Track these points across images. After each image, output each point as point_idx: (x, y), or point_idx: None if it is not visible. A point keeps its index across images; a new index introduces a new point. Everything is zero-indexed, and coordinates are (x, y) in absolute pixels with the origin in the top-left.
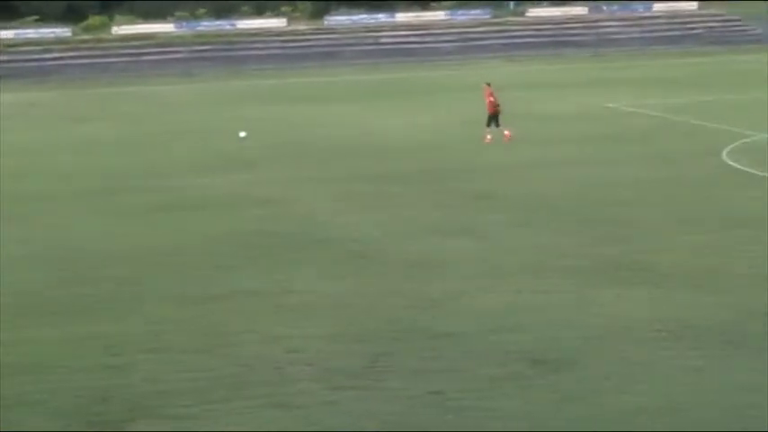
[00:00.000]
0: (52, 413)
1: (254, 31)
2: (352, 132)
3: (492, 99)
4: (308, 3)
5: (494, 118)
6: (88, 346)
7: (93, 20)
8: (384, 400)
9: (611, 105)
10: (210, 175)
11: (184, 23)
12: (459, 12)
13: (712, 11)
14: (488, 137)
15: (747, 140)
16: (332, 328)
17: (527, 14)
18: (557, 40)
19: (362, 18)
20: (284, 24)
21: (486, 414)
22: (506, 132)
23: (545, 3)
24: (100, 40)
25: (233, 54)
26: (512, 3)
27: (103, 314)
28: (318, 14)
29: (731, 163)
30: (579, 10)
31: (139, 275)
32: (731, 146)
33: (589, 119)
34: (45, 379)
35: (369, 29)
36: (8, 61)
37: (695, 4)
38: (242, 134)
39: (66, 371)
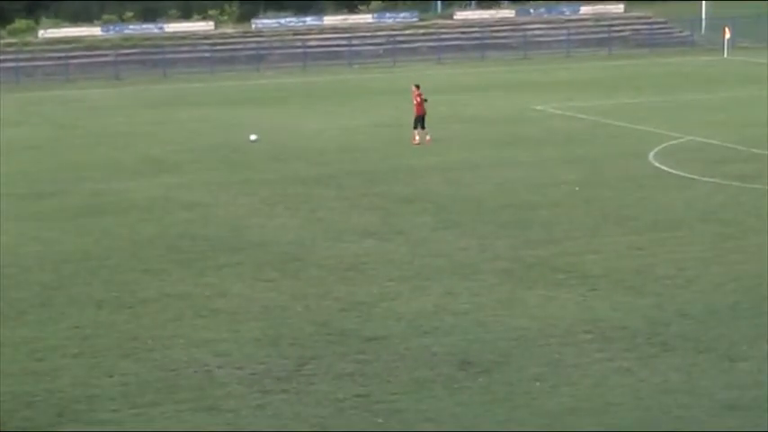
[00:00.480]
0: None
1: (181, 35)
2: (281, 135)
3: (419, 100)
4: (236, 6)
5: (420, 120)
6: (14, 352)
7: (20, 23)
8: (312, 403)
9: (538, 108)
10: (138, 179)
11: (111, 27)
12: (387, 14)
13: (639, 13)
14: (416, 138)
15: (674, 142)
16: (261, 331)
17: (454, 17)
18: (484, 43)
19: (290, 21)
20: (212, 27)
21: (416, 417)
22: (428, 137)
23: (472, 5)
24: (26, 44)
25: (161, 57)
26: (439, 4)
27: (29, 319)
28: (246, 17)
29: (658, 165)
30: (506, 12)
31: (66, 280)
32: (658, 148)
33: (516, 121)
34: None
35: (296, 32)
36: None
37: (621, 6)
38: (252, 137)
39: None
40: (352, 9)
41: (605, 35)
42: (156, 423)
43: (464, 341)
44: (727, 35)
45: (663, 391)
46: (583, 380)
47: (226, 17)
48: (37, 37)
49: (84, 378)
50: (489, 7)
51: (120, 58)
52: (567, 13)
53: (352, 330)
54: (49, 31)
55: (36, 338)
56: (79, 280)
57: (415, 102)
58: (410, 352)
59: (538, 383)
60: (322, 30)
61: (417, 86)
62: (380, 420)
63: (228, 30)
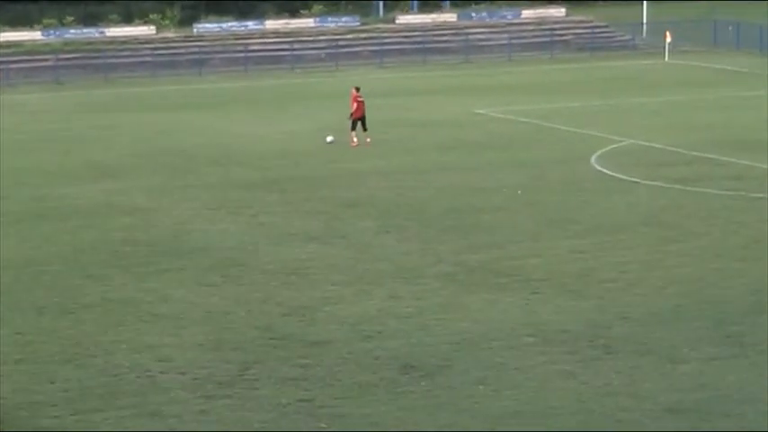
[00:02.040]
0: None
1: (122, 39)
2: (222, 140)
3: (359, 102)
4: (177, 10)
5: (361, 121)
6: None
7: None
8: (256, 408)
9: (480, 111)
10: (78, 184)
11: (52, 31)
12: (329, 19)
13: (580, 17)
14: (355, 140)
15: (616, 146)
16: (204, 336)
17: (396, 21)
18: (426, 47)
19: (232, 26)
20: (153, 32)
21: (359, 421)
22: (368, 139)
23: (414, 9)
24: None
25: (102, 62)
26: (381, 9)
27: None
28: (187, 22)
29: (600, 168)
30: (448, 17)
31: (6, 286)
32: (600, 151)
33: (458, 125)
34: None
35: (238, 36)
36: None
37: (563, 10)
38: (329, 138)
39: None
40: (294, 13)
41: (547, 39)
42: (99, 429)
43: (407, 345)
44: (668, 39)
45: (605, 393)
46: (526, 383)
47: (167, 22)
48: None
49: (25, 384)
50: (431, 11)
51: (60, 63)
52: (509, 17)
53: (294, 335)
54: None
55: None
56: (20, 286)
57: (353, 104)
58: (353, 356)
59: (481, 387)
60: (264, 34)
61: (357, 89)
62: (324, 425)
63: (170, 34)
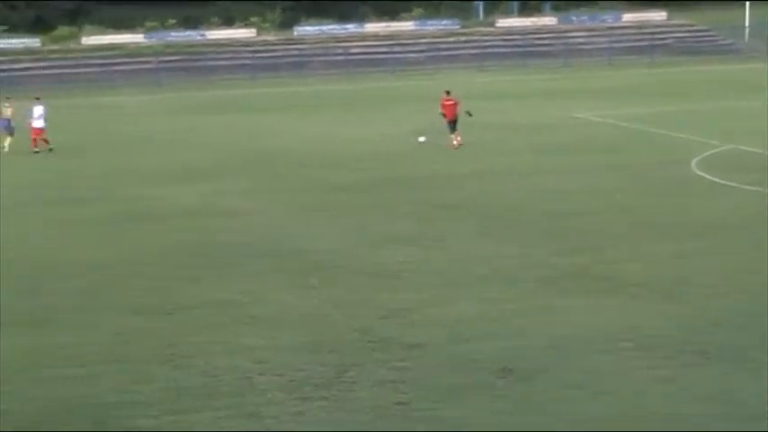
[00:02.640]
0: (20, 424)
1: (223, 42)
2: (320, 142)
3: (448, 105)
4: (278, 13)
5: (452, 123)
6: (52, 357)
7: (63, 30)
8: (353, 410)
9: (578, 115)
10: (177, 186)
11: (154, 34)
12: (429, 22)
13: (682, 21)
14: (456, 140)
15: (716, 150)
16: (300, 338)
17: (496, 25)
18: (525, 51)
19: (332, 28)
20: (254, 35)
21: (455, 424)
22: (458, 139)
23: (514, 12)
24: (69, 51)
25: (202, 64)
26: (481, 12)
27: (66, 325)
28: (288, 25)
29: (700, 173)
30: (548, 20)
31: (102, 287)
32: (700, 156)
33: (556, 129)
34: (10, 390)
35: (338, 39)
36: None
37: (664, 13)
38: (421, 139)
39: (31, 382)
40: (394, 16)
41: (648, 43)
42: (196, 429)
43: (504, 349)
44: None
45: (702, 399)
46: (622, 388)
47: (267, 24)
48: (80, 44)
49: (123, 384)
50: (531, 15)
51: (162, 65)
52: (610, 21)
53: (392, 337)
54: (92, 37)
55: (75, 344)
56: (118, 286)
57: (447, 106)
58: (450, 359)
59: (577, 391)
60: (364, 37)
61: (448, 92)
62: (420, 428)
63: (270, 37)
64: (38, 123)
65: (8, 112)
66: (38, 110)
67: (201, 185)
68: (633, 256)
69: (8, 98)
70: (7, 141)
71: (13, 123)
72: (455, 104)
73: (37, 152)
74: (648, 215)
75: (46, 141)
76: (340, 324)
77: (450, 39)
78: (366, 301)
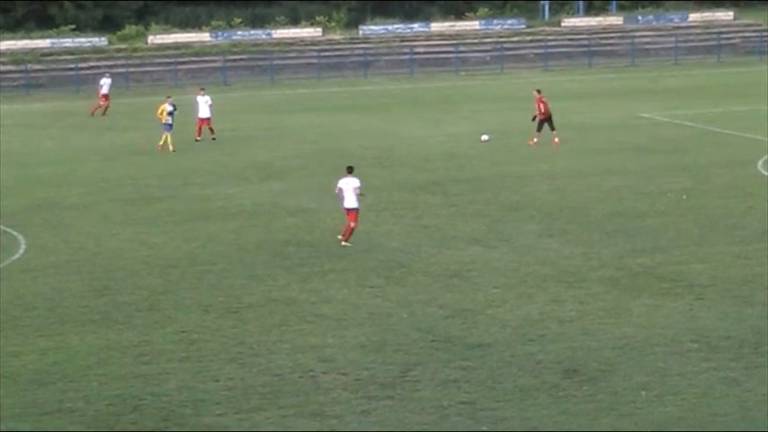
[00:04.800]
0: (89, 421)
1: (289, 41)
2: (386, 141)
3: (543, 103)
4: (344, 12)
5: (548, 121)
6: (121, 355)
7: (129, 29)
8: (417, 410)
9: (645, 115)
10: (245, 185)
11: (220, 33)
12: (494, 21)
13: (749, 20)
14: (534, 140)
15: None
16: (366, 337)
17: (562, 24)
18: (591, 50)
19: (397, 28)
20: (319, 34)
21: (520, 424)
22: (556, 139)
23: (580, 12)
24: (136, 50)
25: (268, 63)
26: (546, 11)
27: (136, 323)
28: (353, 24)
29: (766, 173)
30: (614, 20)
31: (173, 285)
32: (766, 156)
33: (623, 129)
34: (80, 387)
35: (404, 38)
36: (44, 70)
37: (731, 13)
38: (484, 137)
39: (100, 379)
40: (460, 15)
41: (714, 42)
42: (261, 428)
43: (569, 349)
44: None
45: None
46: (689, 390)
47: (333, 24)
48: (146, 43)
49: (190, 382)
50: (597, 14)
51: (228, 64)
52: (676, 21)
53: (457, 337)
54: (159, 36)
55: (143, 342)
56: (186, 285)
57: (539, 105)
58: (515, 359)
59: (643, 392)
60: (429, 36)
61: (539, 91)
62: (485, 428)
63: (336, 36)
64: (203, 113)
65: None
66: (202, 100)
67: (269, 184)
68: (699, 256)
69: (169, 96)
70: (167, 139)
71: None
72: (546, 103)
73: (198, 140)
74: (714, 216)
75: (211, 131)
76: (405, 323)
77: (516, 38)
78: (431, 301)
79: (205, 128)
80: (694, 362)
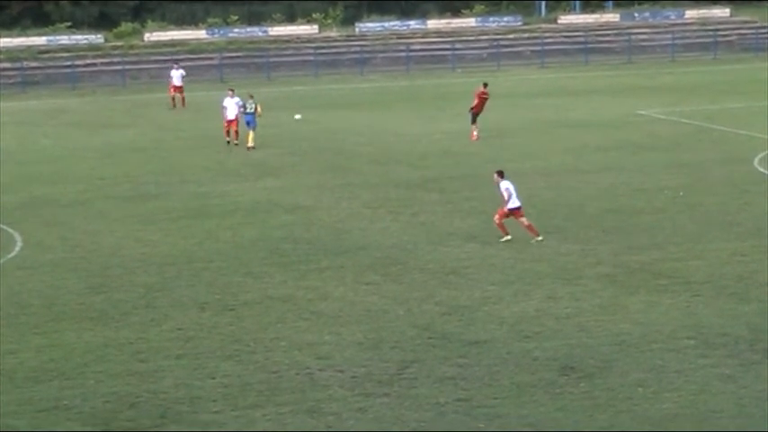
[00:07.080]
0: (86, 418)
1: (286, 38)
2: (383, 139)
3: (482, 98)
4: (340, 10)
5: (476, 115)
6: (118, 353)
7: (126, 26)
8: (414, 407)
9: (642, 112)
10: (241, 182)
11: (216, 30)
12: (491, 18)
13: (745, 17)
14: (474, 134)
15: None
16: (363, 334)
17: (558, 21)
18: (588, 47)
19: (394, 25)
20: (316, 31)
21: (517, 422)
22: (475, 133)
23: (576, 9)
24: (132, 47)
25: (265, 60)
26: (543, 8)
27: (133, 320)
28: (350, 21)
29: (763, 170)
30: (611, 17)
31: (169, 282)
32: (763, 153)
33: (620, 126)
34: (77, 384)
35: (400, 36)
36: (40, 68)
37: (728, 10)
38: (297, 116)
39: (97, 376)
40: (456, 13)
41: (711, 39)
42: (258, 425)
43: (566, 346)
44: None
45: (765, 398)
46: (685, 386)
47: (330, 21)
48: (143, 40)
49: (186, 379)
50: (593, 11)
51: (224, 61)
52: (672, 18)
53: (453, 334)
54: (155, 34)
55: (140, 339)
56: (182, 282)
57: (477, 99)
58: (512, 356)
59: (640, 389)
60: (425, 33)
61: (485, 85)
62: (481, 425)
63: (332, 33)
64: (231, 115)
65: (258, 107)
66: (231, 102)
67: (266, 182)
68: (696, 253)
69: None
70: (251, 136)
71: (257, 118)
72: (486, 99)
73: (229, 142)
74: (711, 213)
75: (236, 133)
76: (402, 321)
77: (512, 35)
78: (428, 298)
79: (232, 130)
80: (691, 359)
